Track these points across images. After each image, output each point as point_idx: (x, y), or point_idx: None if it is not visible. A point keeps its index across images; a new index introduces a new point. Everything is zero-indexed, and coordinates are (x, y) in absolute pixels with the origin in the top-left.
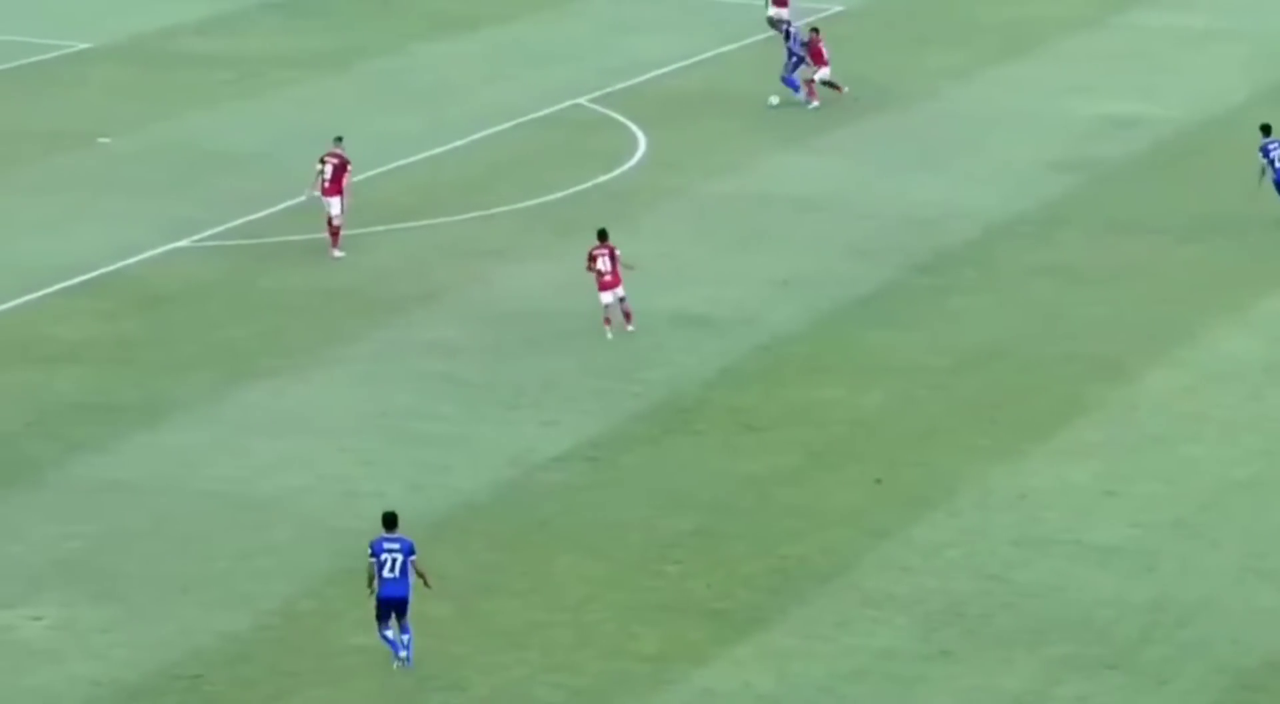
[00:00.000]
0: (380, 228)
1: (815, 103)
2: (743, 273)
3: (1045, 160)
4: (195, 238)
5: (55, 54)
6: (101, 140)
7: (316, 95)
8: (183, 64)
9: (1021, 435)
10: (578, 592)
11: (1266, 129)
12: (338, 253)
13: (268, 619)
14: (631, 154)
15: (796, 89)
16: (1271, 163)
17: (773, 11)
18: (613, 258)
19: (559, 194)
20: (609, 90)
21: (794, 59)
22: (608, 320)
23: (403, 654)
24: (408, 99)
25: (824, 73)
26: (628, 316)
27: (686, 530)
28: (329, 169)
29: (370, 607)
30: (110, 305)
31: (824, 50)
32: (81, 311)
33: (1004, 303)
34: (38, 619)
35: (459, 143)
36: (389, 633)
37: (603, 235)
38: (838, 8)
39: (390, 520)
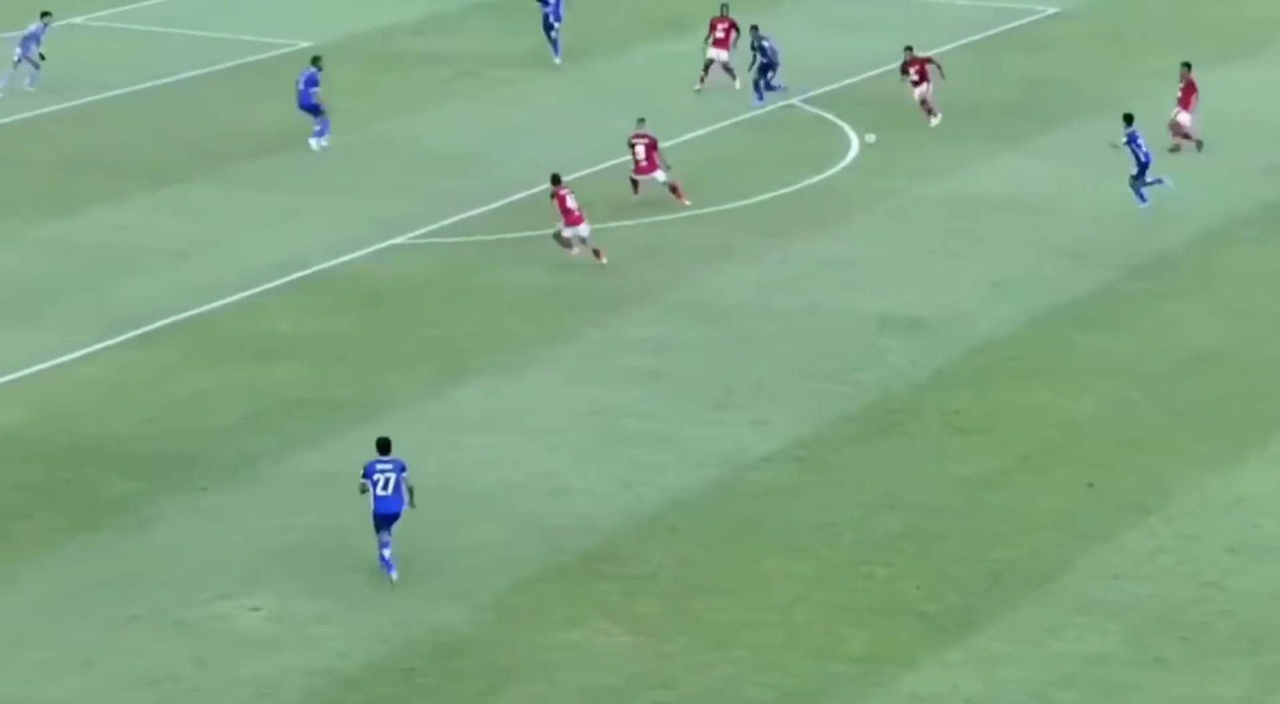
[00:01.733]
0: (593, 226)
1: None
2: (954, 275)
3: (1266, 163)
4: (411, 235)
5: (276, 53)
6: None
7: (531, 94)
8: (400, 63)
9: (1238, 441)
10: (786, 592)
11: (1129, 118)
12: (687, 201)
13: (480, 614)
14: (843, 155)
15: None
16: (1135, 153)
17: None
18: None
19: (770, 195)
20: (821, 91)
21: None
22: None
23: (395, 574)
24: (621, 99)
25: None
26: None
27: (896, 532)
28: (641, 149)
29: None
30: (327, 302)
31: (927, 69)
32: (299, 308)
33: (1221, 307)
34: (256, 610)
35: (671, 143)
36: (386, 553)
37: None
38: (1051, 9)
39: (384, 446)
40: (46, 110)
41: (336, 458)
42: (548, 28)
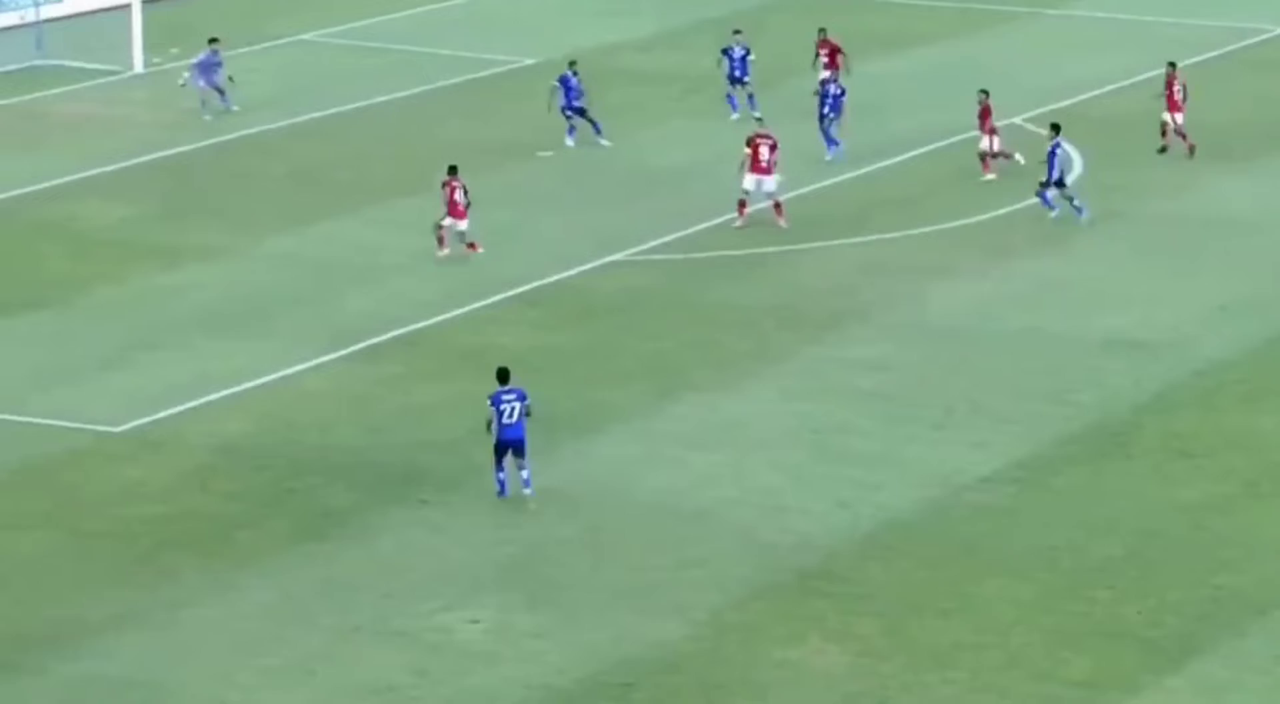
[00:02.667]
0: (812, 244)
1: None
2: (1180, 296)
3: None
4: (632, 251)
5: (502, 68)
6: (542, 154)
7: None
8: (625, 80)
9: None
10: (1006, 614)
11: (1056, 128)
12: (784, 223)
13: (697, 630)
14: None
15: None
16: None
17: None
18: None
19: (991, 214)
20: (1046, 110)
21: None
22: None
23: (508, 494)
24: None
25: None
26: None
27: (1117, 556)
28: (765, 149)
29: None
30: (549, 316)
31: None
32: (521, 322)
33: None
34: (475, 622)
35: (893, 161)
36: (503, 475)
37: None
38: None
39: (504, 376)
40: (276, 125)
41: (558, 471)
42: (732, 81)
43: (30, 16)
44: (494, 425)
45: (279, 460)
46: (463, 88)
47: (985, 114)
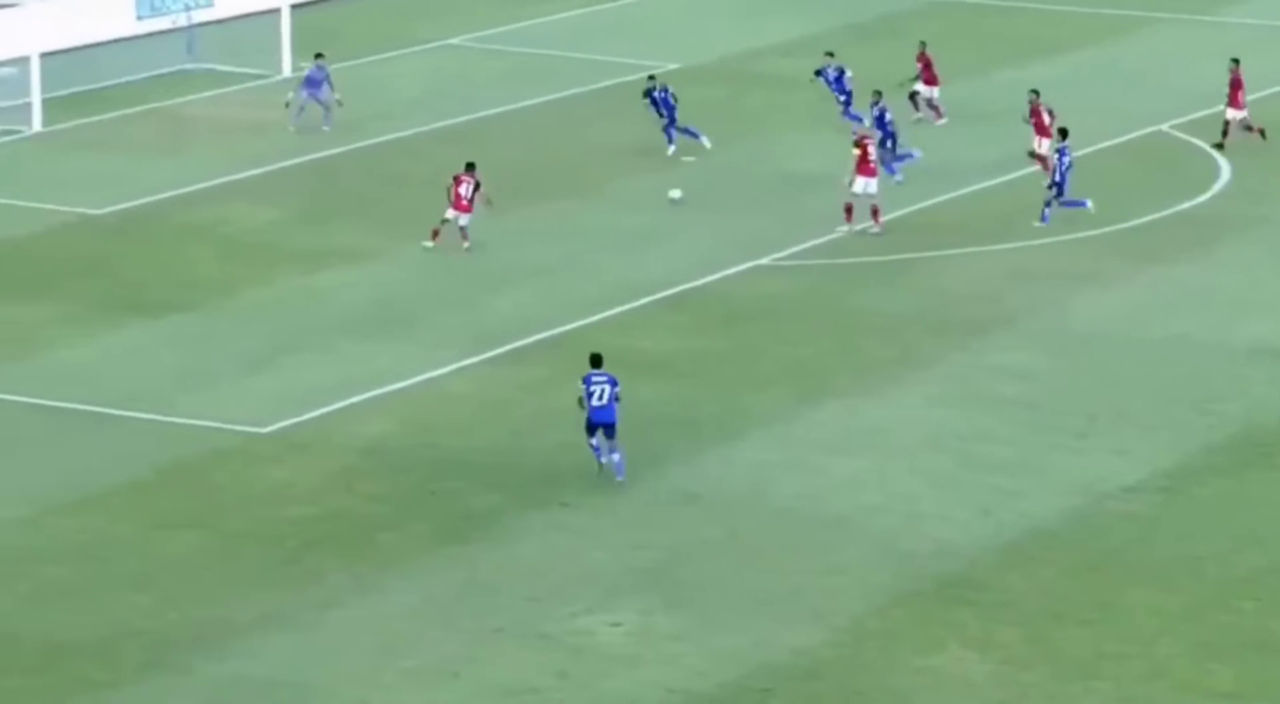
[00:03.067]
0: (957, 250)
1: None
2: None
3: None
4: (775, 256)
5: (647, 73)
6: (686, 159)
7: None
8: (768, 85)
9: None
10: (1150, 624)
11: (1064, 133)
12: (878, 228)
13: (837, 636)
14: (1214, 182)
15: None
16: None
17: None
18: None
19: (1139, 220)
20: (1192, 117)
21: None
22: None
23: (605, 461)
24: (988, 123)
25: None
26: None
27: (1263, 567)
28: (872, 148)
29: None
30: (691, 320)
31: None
32: (665, 326)
33: None
34: (616, 625)
35: (1038, 167)
36: (595, 441)
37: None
38: None
39: (596, 360)
40: (422, 129)
41: (699, 475)
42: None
43: (181, 21)
44: (585, 405)
45: (422, 463)
46: (607, 92)
47: (1035, 114)
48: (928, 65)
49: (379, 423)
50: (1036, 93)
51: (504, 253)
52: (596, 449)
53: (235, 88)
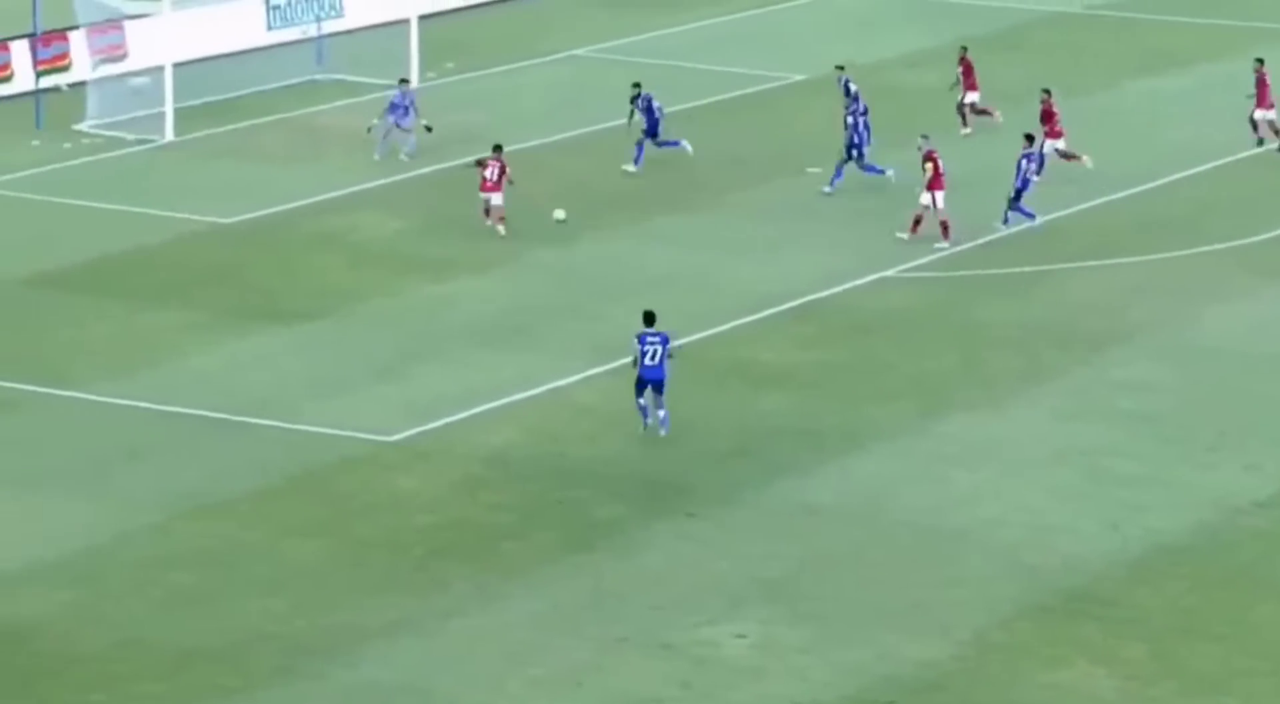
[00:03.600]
0: (1083, 263)
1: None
2: None
3: None
4: (901, 268)
5: (770, 86)
6: (811, 169)
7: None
8: (891, 95)
9: None
10: None
11: (1030, 138)
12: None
13: (961, 650)
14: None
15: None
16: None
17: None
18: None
19: (1264, 235)
20: None
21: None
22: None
23: (650, 421)
24: (1118, 135)
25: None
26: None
27: None
28: (930, 165)
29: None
30: (817, 332)
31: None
32: (790, 337)
33: None
34: (741, 637)
35: (1165, 180)
36: (643, 402)
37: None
38: None
39: (650, 318)
40: (546, 140)
41: (822, 487)
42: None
43: (311, 31)
44: (637, 363)
45: (547, 472)
46: (736, 102)
47: (1048, 117)
48: (969, 70)
49: (504, 432)
50: (1049, 92)
51: (624, 263)
52: (644, 408)
53: (364, 98)
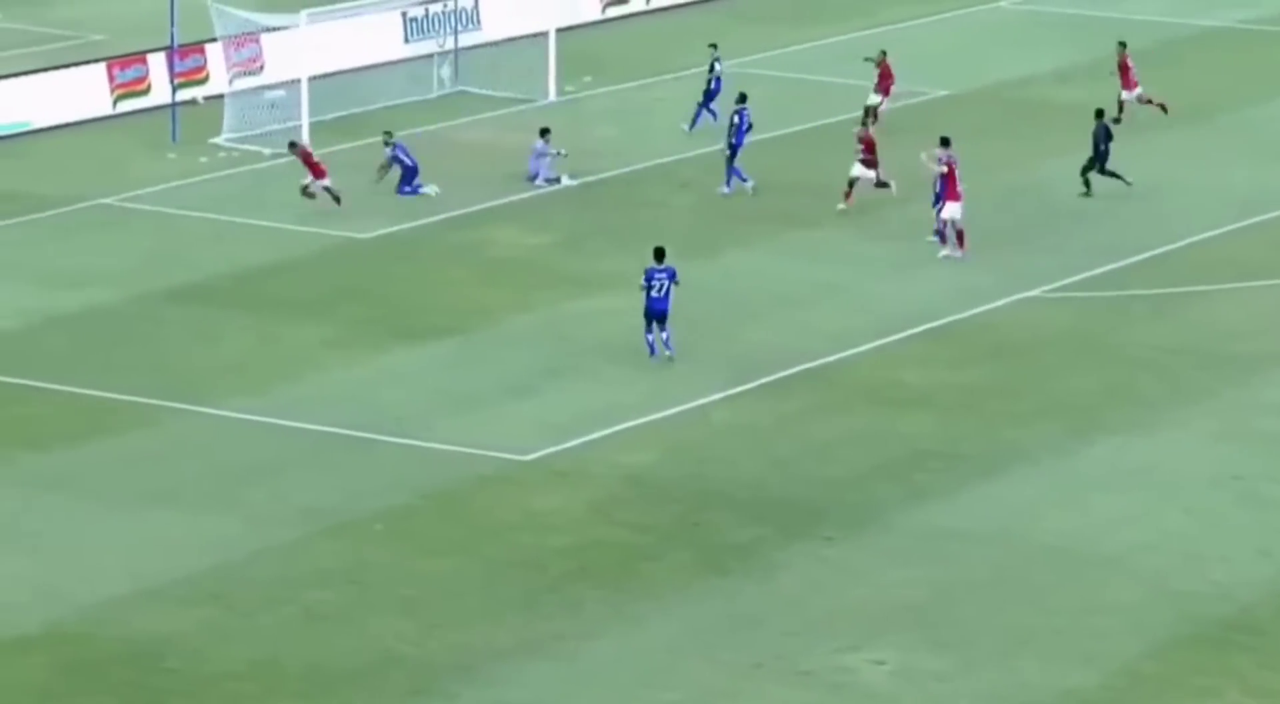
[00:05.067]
0: (1229, 285)
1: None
2: None
3: None
4: (1045, 288)
5: (916, 100)
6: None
7: (1179, 146)
8: (1038, 112)
9: None
10: None
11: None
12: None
13: (1108, 679)
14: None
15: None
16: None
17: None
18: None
19: None
20: None
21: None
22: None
23: (665, 353)
24: (1267, 152)
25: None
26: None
27: None
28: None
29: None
30: (957, 353)
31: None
32: (930, 358)
33: None
34: (879, 663)
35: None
36: (650, 337)
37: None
38: None
39: (660, 254)
40: (684, 156)
41: (964, 511)
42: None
43: (448, 44)
44: (645, 297)
45: (684, 493)
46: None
47: (1124, 69)
48: (1125, 68)
49: (641, 452)
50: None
51: (763, 280)
52: (651, 343)
53: (501, 112)
